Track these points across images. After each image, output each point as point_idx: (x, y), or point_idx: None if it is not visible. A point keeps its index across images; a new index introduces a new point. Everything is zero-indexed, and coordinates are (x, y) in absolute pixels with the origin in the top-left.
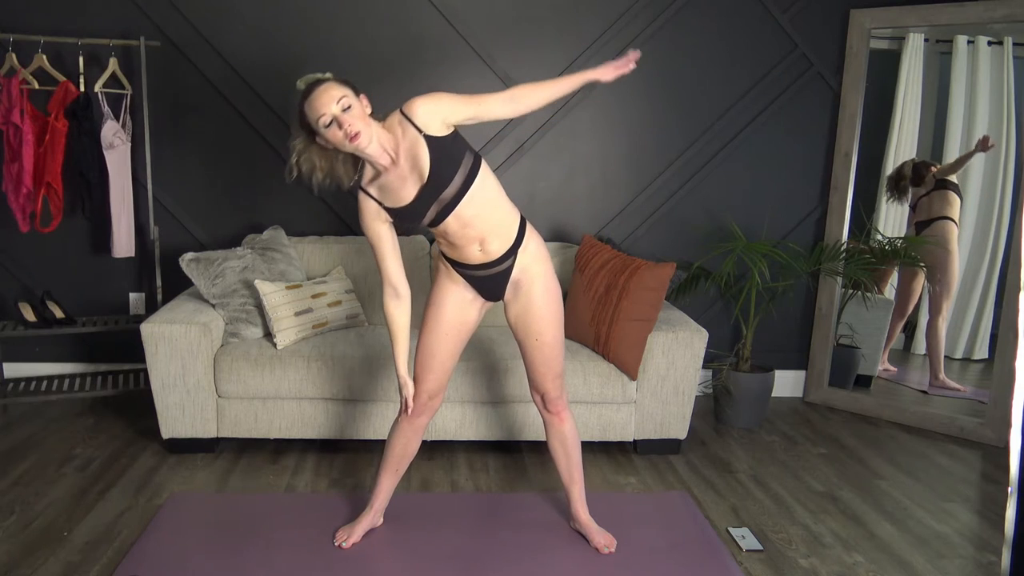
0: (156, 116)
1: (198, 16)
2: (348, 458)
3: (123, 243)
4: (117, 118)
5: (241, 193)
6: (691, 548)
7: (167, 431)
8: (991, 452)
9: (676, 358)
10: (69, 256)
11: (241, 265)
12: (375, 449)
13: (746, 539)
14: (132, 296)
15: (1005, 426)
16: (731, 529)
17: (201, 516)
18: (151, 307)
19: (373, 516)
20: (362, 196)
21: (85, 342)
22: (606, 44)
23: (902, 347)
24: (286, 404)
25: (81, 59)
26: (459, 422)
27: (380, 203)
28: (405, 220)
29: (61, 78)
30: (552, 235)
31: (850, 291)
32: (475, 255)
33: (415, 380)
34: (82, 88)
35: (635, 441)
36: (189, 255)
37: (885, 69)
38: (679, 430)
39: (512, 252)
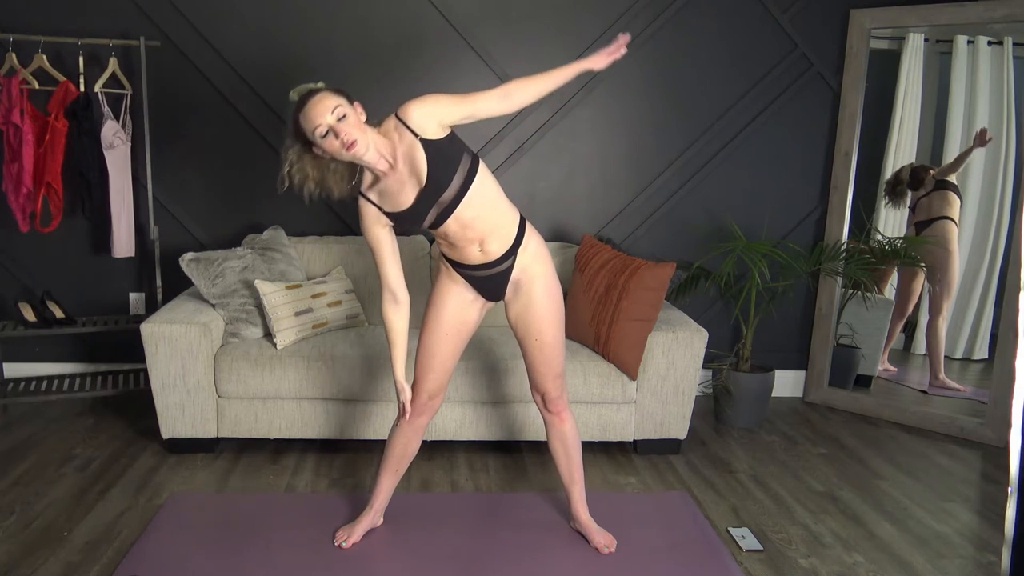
0: (156, 116)
1: (198, 16)
2: (348, 458)
3: (123, 243)
4: (117, 118)
5: (241, 193)
6: (691, 548)
7: (167, 431)
8: (991, 452)
9: (676, 358)
10: (69, 256)
11: (241, 265)
12: (375, 449)
13: (746, 539)
14: (132, 296)
15: (1005, 426)
16: (731, 529)
17: (201, 516)
18: (151, 307)
19: (373, 516)
20: (362, 202)
21: (85, 342)
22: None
23: (902, 347)
24: (286, 404)
25: (81, 59)
26: (459, 422)
27: (380, 208)
28: (405, 224)
29: (61, 78)
30: (552, 235)
31: (850, 291)
32: (475, 255)
33: (416, 379)
34: (82, 88)
35: (635, 441)
36: (189, 255)
37: (885, 69)
38: (679, 430)
39: (512, 252)
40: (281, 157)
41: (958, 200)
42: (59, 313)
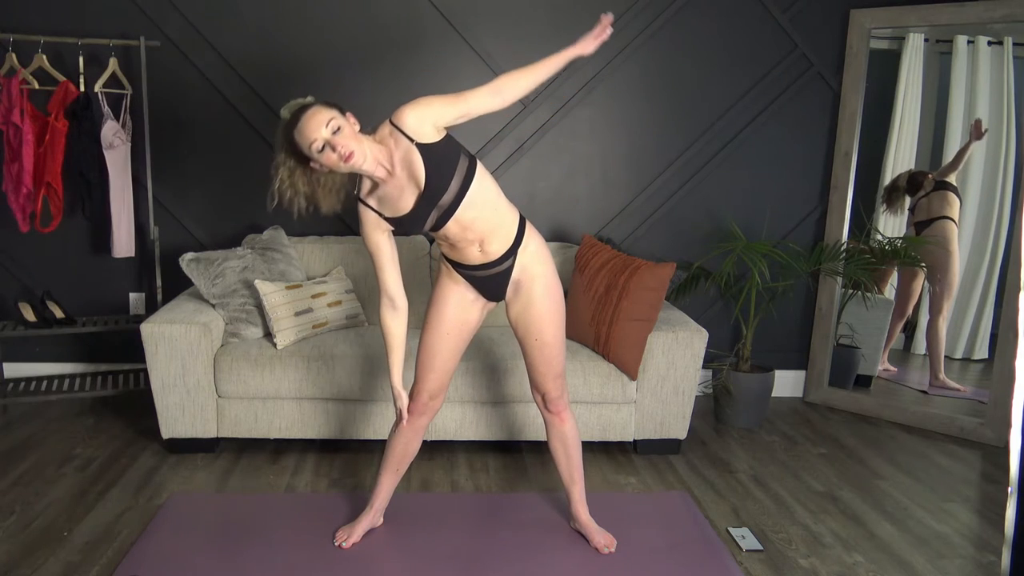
0: (156, 116)
1: (198, 16)
2: (348, 458)
3: (123, 243)
4: (117, 118)
5: (241, 193)
6: (691, 548)
7: (167, 431)
8: (991, 452)
9: (676, 358)
10: (69, 256)
11: (241, 265)
12: (375, 449)
13: (746, 539)
14: (132, 296)
15: (1005, 426)
16: (731, 529)
17: (201, 516)
18: (151, 307)
19: (373, 516)
20: (362, 208)
21: (85, 342)
22: (606, 44)
23: (902, 347)
24: (286, 404)
25: (81, 59)
26: (459, 422)
27: (380, 213)
28: (406, 228)
29: (61, 78)
30: (552, 235)
31: (850, 291)
32: (475, 256)
33: (416, 379)
34: (82, 88)
35: (635, 441)
36: (189, 255)
37: (885, 69)
38: (679, 430)
39: (512, 252)
40: (271, 172)
41: (957, 200)
42: (59, 313)
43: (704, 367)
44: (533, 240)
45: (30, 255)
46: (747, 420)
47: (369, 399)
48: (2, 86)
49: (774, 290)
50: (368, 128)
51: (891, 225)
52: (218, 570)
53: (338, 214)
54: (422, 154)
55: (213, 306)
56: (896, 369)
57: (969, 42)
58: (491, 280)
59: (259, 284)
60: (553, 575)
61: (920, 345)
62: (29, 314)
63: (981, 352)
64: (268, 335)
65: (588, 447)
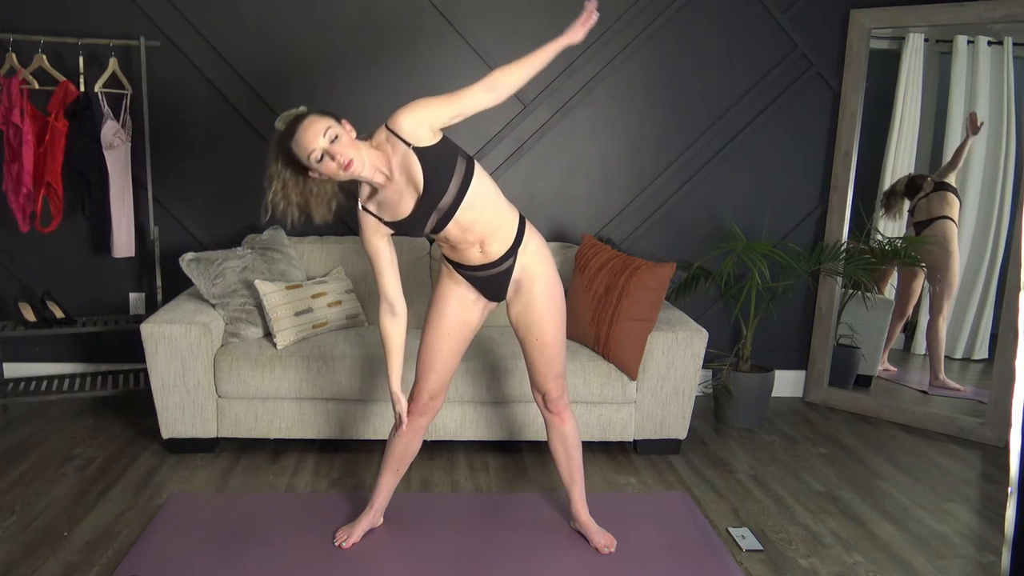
0: (156, 116)
1: (198, 16)
2: (348, 458)
3: (123, 243)
4: (117, 118)
5: (241, 193)
6: (691, 548)
7: (167, 431)
8: (991, 452)
9: (676, 358)
10: (69, 256)
11: (241, 265)
12: (375, 449)
13: (746, 539)
14: (132, 296)
15: (1005, 426)
16: (731, 529)
17: (201, 516)
18: (151, 307)
19: (373, 516)
20: (362, 213)
21: (85, 342)
22: (606, 44)
23: (902, 347)
24: (286, 404)
25: (81, 59)
26: (459, 422)
27: (379, 218)
28: (406, 231)
29: (61, 78)
30: (552, 235)
31: (850, 291)
32: (476, 256)
33: (417, 379)
34: (82, 88)
35: (635, 441)
36: (189, 255)
37: (885, 69)
38: (679, 430)
39: (512, 252)
40: (265, 184)
41: (957, 200)
42: (59, 313)
43: (704, 367)
44: (533, 240)
45: (30, 255)
46: (747, 420)
47: (369, 399)
48: (2, 86)
49: (774, 290)
50: (364, 134)
51: (891, 226)
52: (218, 570)
53: (337, 214)
54: (420, 158)
55: (213, 306)
56: (896, 369)
57: (969, 42)
58: (492, 280)
59: (259, 284)
60: (553, 575)
61: (920, 345)
62: (29, 314)
63: (981, 352)
64: (268, 335)
65: (588, 447)
